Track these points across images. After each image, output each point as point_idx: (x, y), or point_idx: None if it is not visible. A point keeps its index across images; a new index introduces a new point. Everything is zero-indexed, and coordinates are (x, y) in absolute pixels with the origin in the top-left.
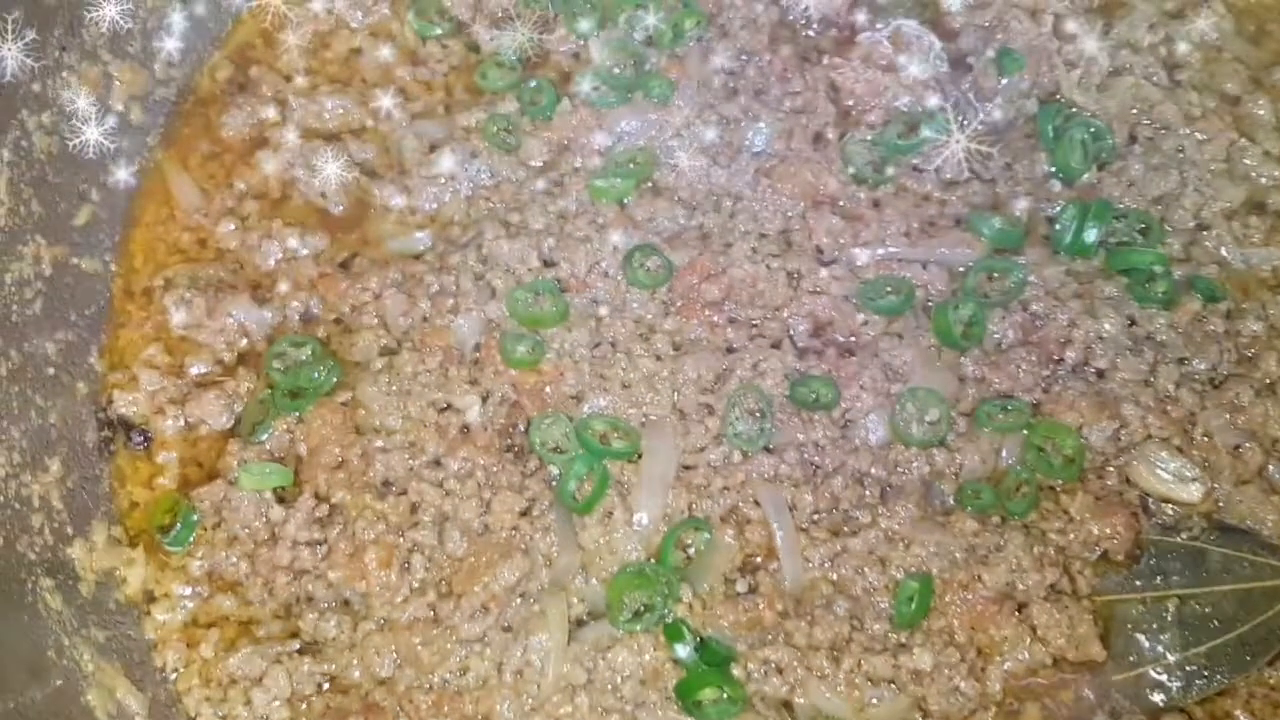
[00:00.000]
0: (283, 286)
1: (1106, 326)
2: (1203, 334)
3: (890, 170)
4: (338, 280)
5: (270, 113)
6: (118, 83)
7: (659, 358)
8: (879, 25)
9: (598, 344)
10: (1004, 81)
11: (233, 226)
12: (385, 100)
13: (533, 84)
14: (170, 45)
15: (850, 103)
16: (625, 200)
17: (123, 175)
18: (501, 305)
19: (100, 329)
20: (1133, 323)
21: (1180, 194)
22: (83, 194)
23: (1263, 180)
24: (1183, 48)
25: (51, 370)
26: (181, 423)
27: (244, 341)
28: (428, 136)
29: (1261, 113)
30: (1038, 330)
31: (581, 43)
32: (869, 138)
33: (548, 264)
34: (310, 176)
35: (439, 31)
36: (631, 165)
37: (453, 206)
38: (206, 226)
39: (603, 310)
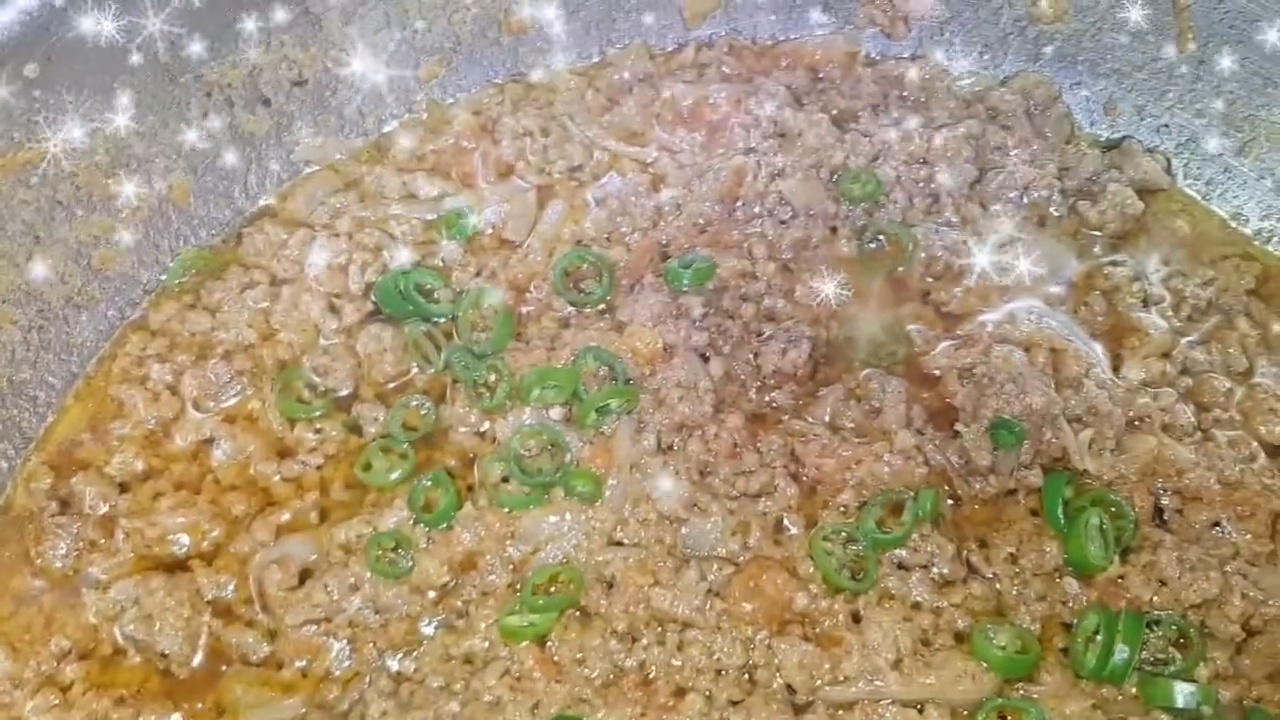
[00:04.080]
0: None
1: None
2: None
3: (871, 570)
4: None
5: (98, 536)
6: None
7: None
8: (845, 376)
9: None
10: (999, 454)
11: (53, 700)
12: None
13: (427, 481)
14: None
15: (816, 480)
16: (546, 639)
17: None
18: None
19: None
20: None
21: (1224, 599)
22: None
23: None
24: (1209, 383)
25: None
26: None
27: None
28: (297, 561)
29: None
30: None
31: (487, 424)
32: (842, 531)
33: None
34: (148, 627)
35: (316, 412)
36: (552, 589)
37: (328, 659)
38: (18, 705)
39: None
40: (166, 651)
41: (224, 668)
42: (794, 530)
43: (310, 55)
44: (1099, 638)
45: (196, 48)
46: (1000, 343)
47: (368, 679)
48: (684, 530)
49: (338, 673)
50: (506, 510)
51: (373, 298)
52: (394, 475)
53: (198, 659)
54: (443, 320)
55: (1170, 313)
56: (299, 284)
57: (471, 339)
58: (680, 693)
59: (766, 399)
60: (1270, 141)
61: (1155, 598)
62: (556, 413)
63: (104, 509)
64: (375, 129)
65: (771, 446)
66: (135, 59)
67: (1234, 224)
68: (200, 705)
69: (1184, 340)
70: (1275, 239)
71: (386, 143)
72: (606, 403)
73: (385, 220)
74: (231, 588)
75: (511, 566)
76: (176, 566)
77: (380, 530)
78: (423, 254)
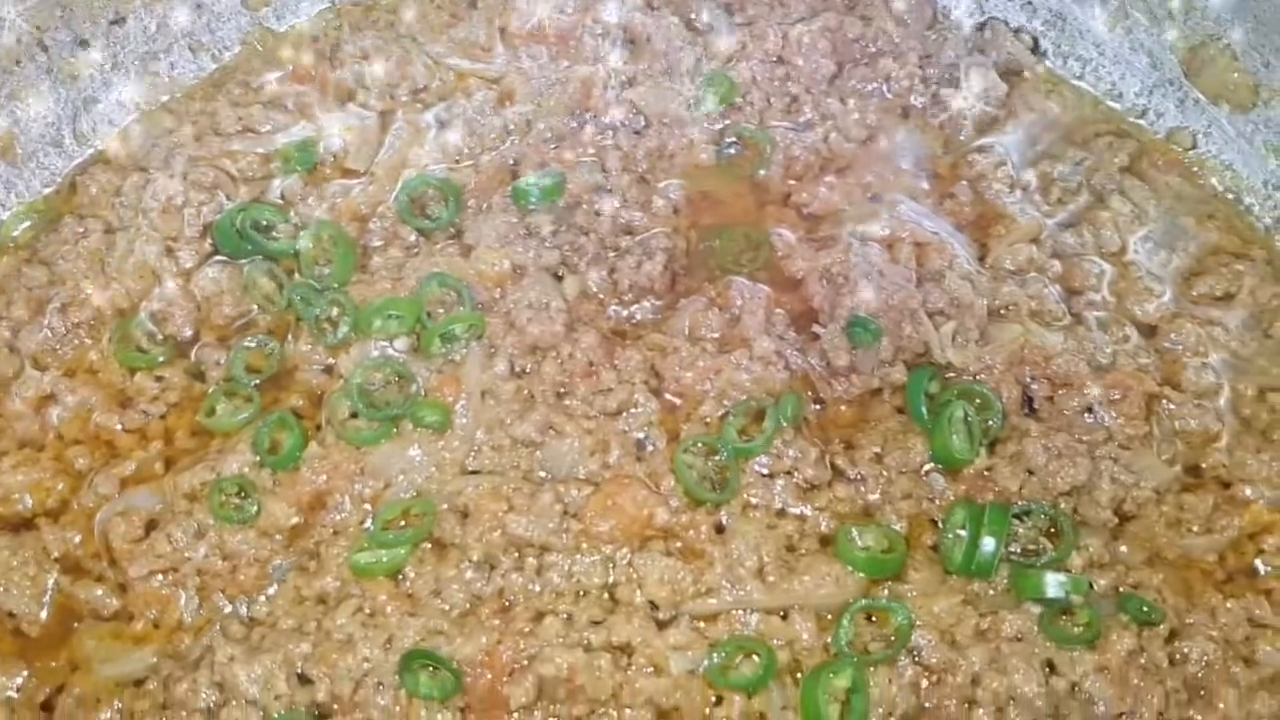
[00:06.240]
0: None
1: (1019, 682)
2: (1141, 674)
3: (733, 481)
4: None
5: None
6: None
7: None
8: (706, 286)
9: None
10: (858, 352)
11: None
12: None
13: (271, 420)
14: None
15: (677, 394)
16: (400, 573)
17: None
18: None
19: None
20: (1052, 669)
21: (1093, 485)
22: None
23: (1194, 437)
24: (1080, 266)
25: None
26: None
27: None
28: (142, 512)
29: (1183, 346)
30: (936, 690)
31: (332, 360)
32: (702, 442)
33: (304, 680)
34: None
35: (157, 359)
36: (403, 523)
37: (178, 609)
38: None
39: None
40: (15, 611)
41: (75, 624)
42: (656, 446)
43: None
44: (964, 532)
45: None
46: (861, 241)
47: (218, 625)
48: (539, 454)
49: (190, 621)
50: (356, 446)
51: (210, 239)
52: (238, 419)
53: (47, 617)
54: (285, 257)
55: (1038, 196)
56: (134, 230)
57: (314, 274)
58: (539, 617)
59: (624, 316)
60: (1138, 10)
61: (1023, 488)
62: (402, 343)
63: None
64: (207, 64)
65: (630, 363)
66: None
67: (1108, 101)
68: (53, 663)
69: (1051, 222)
70: (1150, 114)
71: (219, 77)
72: (450, 329)
73: (221, 157)
74: (78, 542)
75: (364, 503)
76: (22, 526)
77: (223, 475)
78: (261, 189)
